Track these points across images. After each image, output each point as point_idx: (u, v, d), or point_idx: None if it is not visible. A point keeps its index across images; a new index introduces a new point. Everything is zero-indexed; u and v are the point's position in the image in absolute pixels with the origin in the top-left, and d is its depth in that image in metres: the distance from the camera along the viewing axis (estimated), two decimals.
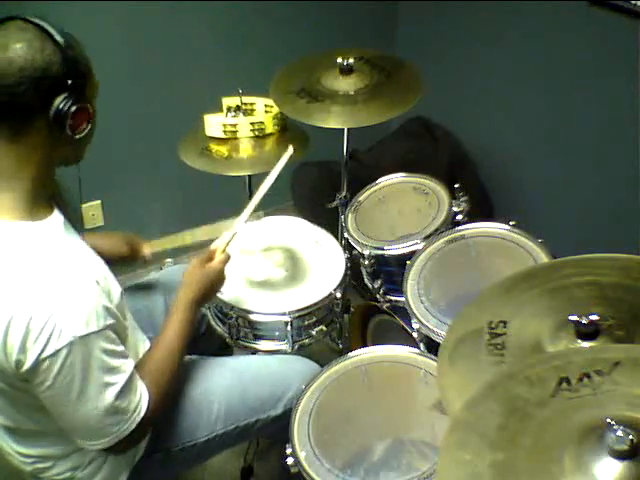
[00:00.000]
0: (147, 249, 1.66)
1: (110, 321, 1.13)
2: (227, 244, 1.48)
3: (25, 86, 1.05)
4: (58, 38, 1.08)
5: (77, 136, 1.12)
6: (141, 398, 1.21)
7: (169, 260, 2.05)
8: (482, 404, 0.93)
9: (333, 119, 1.77)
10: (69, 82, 1.08)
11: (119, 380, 1.15)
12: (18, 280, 1.08)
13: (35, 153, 1.11)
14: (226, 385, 1.47)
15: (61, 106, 1.08)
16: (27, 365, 1.07)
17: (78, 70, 1.10)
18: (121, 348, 1.17)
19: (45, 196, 1.16)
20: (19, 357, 1.07)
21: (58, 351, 1.07)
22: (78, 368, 1.10)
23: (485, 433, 0.88)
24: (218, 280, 1.45)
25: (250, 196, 2.08)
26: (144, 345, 1.43)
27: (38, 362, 1.07)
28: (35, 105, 1.07)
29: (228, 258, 1.47)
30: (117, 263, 1.56)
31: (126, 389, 1.16)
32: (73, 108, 1.08)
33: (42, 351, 1.06)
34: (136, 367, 1.22)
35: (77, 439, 1.21)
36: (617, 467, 0.79)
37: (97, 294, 1.11)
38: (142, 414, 1.20)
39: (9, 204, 1.11)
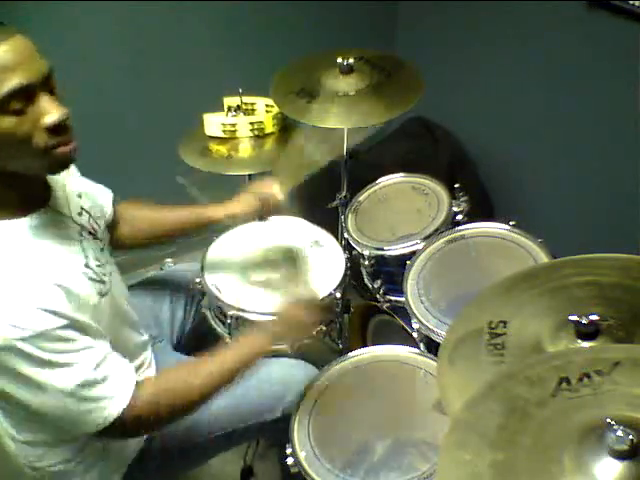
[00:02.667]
0: (276, 190, 1.64)
1: (62, 321, 1.08)
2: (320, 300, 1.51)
3: None
4: None
5: None
6: (120, 390, 1.16)
7: (169, 260, 2.05)
8: (482, 404, 0.93)
9: (333, 119, 1.77)
10: None
11: (79, 371, 1.10)
12: None
13: None
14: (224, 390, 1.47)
15: None
16: None
17: None
18: (81, 344, 1.12)
19: (11, 199, 1.11)
20: None
21: (21, 346, 1.04)
22: (20, 366, 1.06)
23: (485, 433, 0.88)
24: (304, 326, 1.43)
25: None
26: (141, 344, 1.43)
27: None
28: None
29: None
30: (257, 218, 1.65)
31: (92, 379, 1.12)
32: None
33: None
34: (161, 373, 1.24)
35: (61, 432, 1.23)
36: (617, 467, 0.79)
37: (51, 296, 1.08)
38: (120, 407, 1.15)
39: None
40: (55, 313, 1.07)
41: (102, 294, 1.22)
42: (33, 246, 1.11)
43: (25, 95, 1.02)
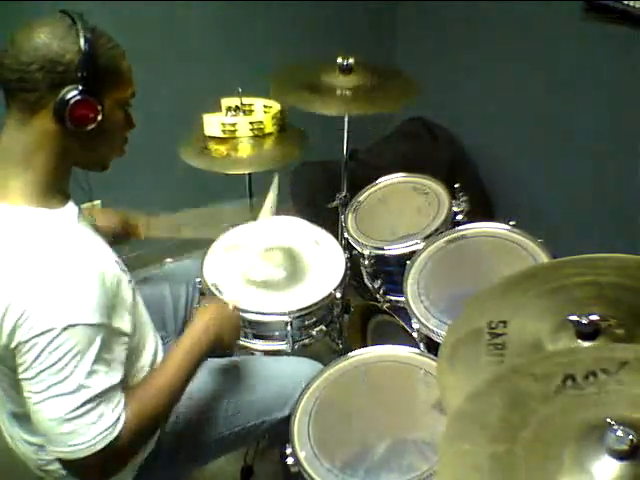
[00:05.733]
0: (142, 229, 1.67)
1: (105, 320, 1.09)
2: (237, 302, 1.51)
3: (36, 66, 1.06)
4: (82, 32, 1.11)
5: (78, 129, 1.11)
6: (115, 420, 1.10)
7: (169, 260, 2.04)
8: (486, 396, 0.93)
9: (336, 106, 1.78)
10: (80, 74, 1.08)
11: (94, 385, 1.07)
12: (22, 265, 1.07)
13: (45, 141, 1.11)
14: (232, 388, 1.47)
15: (66, 95, 1.08)
16: (14, 343, 1.06)
17: (96, 66, 1.10)
18: (110, 356, 1.11)
19: (59, 187, 1.16)
20: (10, 335, 1.06)
21: (44, 334, 1.04)
22: (57, 357, 1.05)
23: (487, 425, 0.88)
24: (232, 323, 1.42)
25: (251, 199, 2.09)
26: (154, 340, 1.40)
27: (23, 341, 1.05)
28: (43, 88, 1.08)
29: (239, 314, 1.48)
30: (110, 240, 1.57)
31: (97, 401, 1.08)
32: (75, 99, 1.08)
33: (30, 331, 1.04)
34: (127, 390, 1.15)
35: (48, 444, 1.13)
36: (617, 467, 0.79)
37: (98, 289, 1.09)
38: (108, 438, 1.09)
39: (21, 189, 1.11)
40: (105, 307, 1.10)
41: (132, 286, 1.23)
42: (80, 233, 1.15)
43: None
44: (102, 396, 1.08)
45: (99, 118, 1.12)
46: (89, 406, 1.07)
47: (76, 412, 1.06)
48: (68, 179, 1.19)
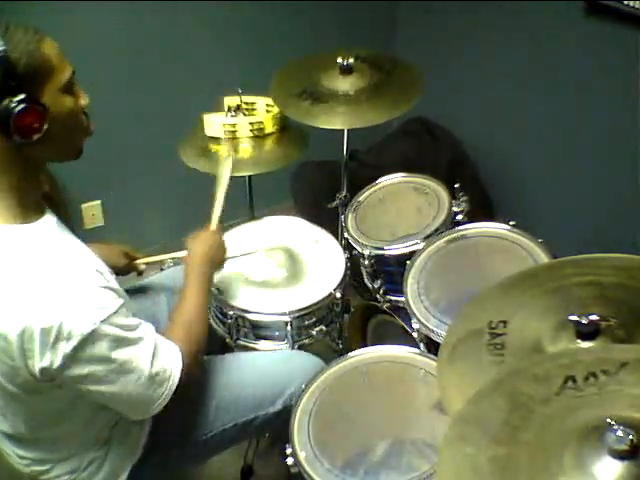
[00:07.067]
0: (142, 263, 1.67)
1: (121, 300, 1.15)
2: (218, 219, 1.59)
3: None
4: None
5: (28, 139, 1.07)
6: (173, 356, 1.25)
7: (169, 260, 2.04)
8: (487, 399, 0.93)
9: (338, 120, 1.78)
10: (11, 85, 1.04)
11: (147, 346, 1.19)
12: (22, 286, 1.07)
13: (5, 157, 1.09)
14: (224, 383, 1.47)
15: (4, 110, 1.04)
16: (58, 363, 1.08)
17: (22, 72, 1.04)
18: (136, 320, 1.20)
19: (34, 199, 1.15)
20: (45, 359, 1.07)
21: (85, 341, 1.08)
22: (109, 349, 1.12)
23: (488, 427, 0.88)
24: (219, 244, 1.53)
25: (251, 199, 2.08)
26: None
27: (68, 358, 1.08)
28: None
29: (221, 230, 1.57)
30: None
31: (156, 352, 1.20)
32: (16, 110, 1.04)
33: (68, 347, 1.07)
34: (165, 333, 1.27)
35: (133, 415, 1.26)
36: (617, 467, 0.79)
37: (102, 279, 1.13)
38: (179, 371, 1.24)
39: None
40: (115, 291, 1.15)
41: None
42: (65, 238, 1.16)
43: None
44: (156, 347, 1.20)
45: (45, 121, 1.07)
46: (155, 362, 1.19)
47: (151, 373, 1.18)
48: (40, 189, 1.17)
